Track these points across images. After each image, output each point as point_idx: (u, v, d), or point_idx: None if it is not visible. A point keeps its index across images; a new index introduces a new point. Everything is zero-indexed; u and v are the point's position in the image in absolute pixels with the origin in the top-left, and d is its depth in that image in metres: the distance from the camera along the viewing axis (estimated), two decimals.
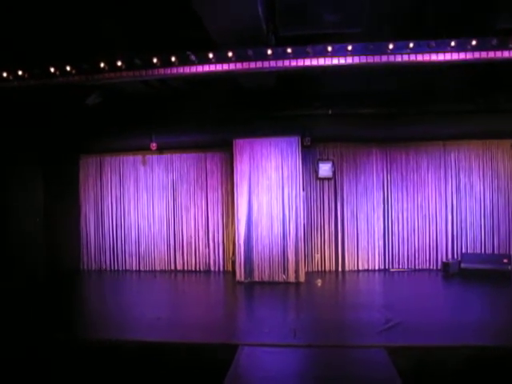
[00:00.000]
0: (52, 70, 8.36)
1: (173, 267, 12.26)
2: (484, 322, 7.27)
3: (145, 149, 11.71)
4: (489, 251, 11.26)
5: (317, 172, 11.69)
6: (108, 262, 12.49)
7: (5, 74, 8.56)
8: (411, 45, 7.18)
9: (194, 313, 8.45)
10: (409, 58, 7.51)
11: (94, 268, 12.52)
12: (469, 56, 7.26)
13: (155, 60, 7.95)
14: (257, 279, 10.74)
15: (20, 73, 8.51)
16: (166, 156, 12.23)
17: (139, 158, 12.38)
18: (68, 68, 8.30)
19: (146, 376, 6.18)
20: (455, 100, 9.89)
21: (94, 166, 12.56)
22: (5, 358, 6.29)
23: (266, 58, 7.64)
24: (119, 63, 8.08)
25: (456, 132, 10.96)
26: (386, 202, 11.71)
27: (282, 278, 10.68)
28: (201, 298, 9.83)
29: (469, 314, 7.86)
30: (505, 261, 10.45)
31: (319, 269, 11.73)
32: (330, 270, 11.69)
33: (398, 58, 7.39)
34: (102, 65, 8.17)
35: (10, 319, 7.73)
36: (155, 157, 12.27)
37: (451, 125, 10.61)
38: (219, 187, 12.12)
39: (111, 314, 8.38)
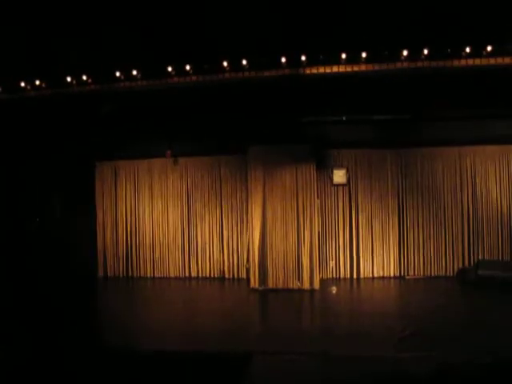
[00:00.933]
0: (68, 79, 8.50)
1: (187, 274, 12.28)
2: (501, 332, 7.16)
3: (160, 156, 11.82)
4: (507, 258, 11.08)
5: (331, 178, 11.65)
6: (122, 269, 12.54)
7: (22, 84, 8.72)
8: (426, 52, 7.16)
9: (208, 321, 8.46)
10: (423, 64, 7.49)
11: (109, 275, 12.58)
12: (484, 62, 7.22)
13: (170, 68, 8.05)
14: (271, 286, 10.70)
15: (37, 83, 8.67)
16: (181, 163, 12.26)
17: (154, 164, 12.43)
18: (84, 77, 8.43)
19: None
20: (470, 105, 9.80)
21: (109, 173, 12.65)
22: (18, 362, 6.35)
23: (279, 65, 7.70)
24: (134, 72, 8.19)
25: (472, 137, 10.86)
26: (401, 208, 11.60)
27: (296, 285, 10.65)
28: (215, 306, 9.82)
29: (486, 324, 7.74)
30: None
31: (334, 276, 11.65)
32: (344, 277, 11.60)
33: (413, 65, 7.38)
34: (117, 74, 8.28)
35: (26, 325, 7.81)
36: (169, 164, 12.31)
37: (467, 129, 10.51)
38: (233, 194, 12.13)
39: (125, 322, 8.41)
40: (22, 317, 8.28)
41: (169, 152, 11.80)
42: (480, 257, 11.18)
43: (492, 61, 7.23)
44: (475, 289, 10.18)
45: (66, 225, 11.53)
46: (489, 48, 7.09)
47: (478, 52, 7.14)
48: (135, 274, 12.48)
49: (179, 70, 8.26)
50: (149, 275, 12.42)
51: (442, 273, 11.36)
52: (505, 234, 11.19)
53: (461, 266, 11.22)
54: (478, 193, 11.33)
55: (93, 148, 11.77)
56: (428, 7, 6.79)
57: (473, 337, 6.98)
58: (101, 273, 12.61)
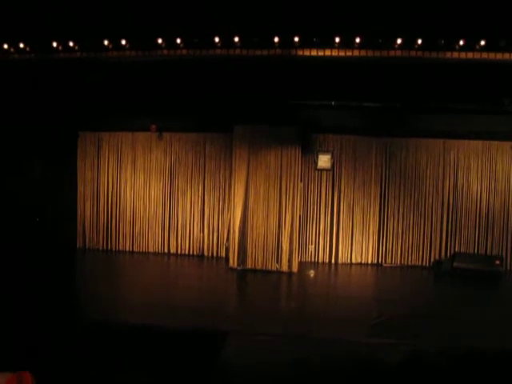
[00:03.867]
0: (54, 44, 8.25)
1: (166, 250, 12.23)
2: (472, 323, 7.33)
3: (144, 130, 11.67)
4: (482, 252, 11.29)
5: (316, 163, 11.64)
6: (101, 242, 12.43)
7: (6, 46, 8.44)
8: (419, 41, 7.13)
9: (186, 297, 8.48)
10: (416, 54, 7.47)
11: (87, 247, 12.47)
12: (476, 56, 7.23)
13: (160, 41, 7.87)
14: (250, 267, 10.74)
15: (21, 45, 8.39)
16: (165, 138, 12.11)
17: (138, 137, 12.25)
18: (71, 44, 8.19)
19: (133, 358, 6.18)
20: (460, 98, 9.84)
21: (91, 144, 12.42)
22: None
23: (272, 45, 7.59)
24: (123, 42, 7.99)
25: (457, 131, 10.95)
26: (382, 196, 11.68)
27: (275, 266, 10.71)
28: (193, 283, 9.85)
29: (456, 313, 7.91)
30: (497, 262, 10.46)
31: (312, 260, 11.74)
32: (323, 262, 11.70)
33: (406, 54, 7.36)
34: (105, 42, 8.07)
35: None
36: (154, 138, 12.14)
37: (453, 123, 10.57)
38: (217, 172, 12.04)
39: (103, 295, 8.37)
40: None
41: (154, 126, 11.65)
42: (456, 249, 11.36)
43: (484, 55, 7.23)
44: (450, 280, 10.38)
45: (45, 194, 11.32)
46: (482, 42, 7.08)
47: (471, 46, 7.13)
48: (114, 248, 12.38)
49: (169, 43, 8.08)
50: (128, 249, 12.34)
51: (418, 262, 11.53)
52: (482, 228, 11.37)
53: (437, 257, 11.40)
54: (459, 186, 11.46)
55: (76, 117, 11.52)
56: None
57: (443, 326, 7.14)
58: (80, 244, 12.48)
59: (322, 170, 11.68)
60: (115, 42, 8.08)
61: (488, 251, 11.28)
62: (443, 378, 5.72)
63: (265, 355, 6.00)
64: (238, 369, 5.62)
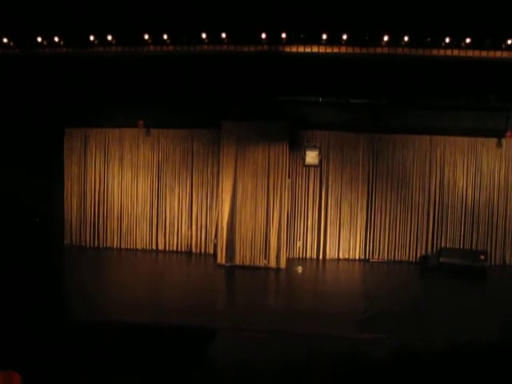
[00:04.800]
0: (39, 39, 8.16)
1: (154, 247, 12.18)
2: (455, 317, 7.43)
3: (132, 126, 11.61)
4: (467, 247, 11.42)
5: (303, 159, 11.66)
6: (89, 239, 12.33)
7: None
8: (406, 38, 7.17)
9: (174, 295, 8.48)
10: (402, 50, 7.52)
11: (75, 243, 12.36)
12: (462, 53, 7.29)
13: (146, 36, 7.82)
14: (238, 263, 10.76)
15: (5, 40, 8.28)
16: (152, 134, 12.04)
17: (125, 133, 12.15)
18: (56, 39, 8.10)
19: (122, 357, 6.17)
20: (446, 95, 9.91)
21: (78, 140, 12.29)
22: None
23: (259, 41, 7.59)
24: (110, 37, 7.92)
25: (444, 127, 11.04)
26: (370, 192, 11.75)
27: (263, 263, 10.73)
28: (181, 280, 9.83)
29: (442, 308, 8.01)
30: (482, 257, 10.60)
31: (300, 256, 11.77)
32: (310, 258, 11.75)
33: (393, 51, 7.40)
34: (91, 38, 8.00)
35: None
36: (141, 135, 12.07)
37: (440, 119, 10.66)
38: (205, 168, 12.00)
39: (91, 294, 8.31)
40: None
41: (141, 122, 11.59)
42: (443, 244, 11.47)
43: (470, 53, 7.30)
44: (436, 275, 10.49)
45: (32, 191, 11.19)
46: (468, 40, 7.15)
47: (457, 43, 7.19)
48: (102, 245, 12.29)
49: (156, 39, 8.03)
50: (115, 246, 12.25)
51: (405, 258, 11.62)
52: (467, 223, 11.49)
53: (424, 252, 11.50)
54: (446, 182, 11.56)
55: (62, 114, 11.39)
56: None
57: (430, 321, 7.24)
58: (67, 241, 12.37)
59: (309, 166, 11.70)
60: (101, 38, 8.01)
61: (473, 246, 11.41)
62: (430, 372, 5.79)
63: (254, 351, 6.03)
64: (227, 365, 5.65)
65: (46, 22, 7.92)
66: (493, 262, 11.23)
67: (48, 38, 8.11)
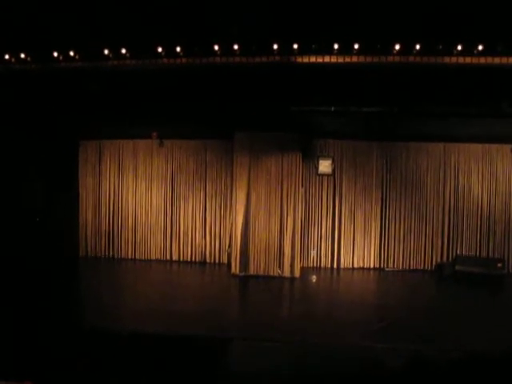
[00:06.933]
0: (55, 54, 8.31)
1: (168, 257, 12.26)
2: (471, 326, 7.35)
3: (145, 138, 11.74)
4: (484, 254, 11.29)
5: (317, 168, 11.68)
6: (103, 250, 12.47)
7: (7, 57, 8.50)
8: (418, 47, 7.17)
9: (188, 305, 8.49)
10: (414, 59, 7.51)
11: (90, 255, 12.48)
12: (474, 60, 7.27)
13: (160, 49, 7.91)
14: (252, 273, 10.76)
15: (22, 56, 8.44)
16: (166, 145, 12.16)
17: (139, 145, 12.30)
18: (72, 53, 8.25)
19: (138, 366, 6.20)
20: (458, 102, 9.85)
21: (93, 152, 12.49)
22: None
23: (271, 52, 7.64)
24: (123, 51, 8.04)
25: (457, 134, 10.98)
26: (383, 200, 11.71)
27: (277, 272, 10.72)
28: (195, 290, 9.85)
29: (459, 318, 7.91)
30: (499, 265, 10.47)
31: (314, 265, 11.74)
32: (325, 267, 11.71)
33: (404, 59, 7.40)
34: (106, 52, 8.12)
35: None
36: (155, 146, 12.20)
37: (453, 127, 10.58)
38: (218, 179, 12.10)
39: (106, 304, 8.38)
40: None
41: (155, 134, 11.70)
42: (458, 252, 11.36)
43: (482, 60, 7.28)
44: (452, 284, 10.37)
45: (48, 204, 11.35)
46: (480, 47, 7.13)
47: (469, 50, 7.17)
48: (116, 255, 12.41)
49: (169, 52, 8.13)
50: (130, 257, 12.37)
51: (420, 266, 11.54)
52: (483, 230, 11.39)
53: (439, 260, 11.40)
54: (460, 189, 11.48)
55: (78, 126, 11.56)
56: (422, 4, 6.79)
57: (446, 331, 7.15)
58: (82, 253, 12.51)
59: (322, 175, 11.72)
60: (115, 51, 8.13)
61: (490, 254, 11.29)
62: (445, 381, 5.73)
63: (268, 361, 6.02)
64: (241, 375, 5.64)
65: (62, 37, 8.07)
66: (510, 270, 11.08)
67: (64, 52, 8.26)
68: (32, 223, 10.96)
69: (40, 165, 11.28)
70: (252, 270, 10.77)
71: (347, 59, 7.62)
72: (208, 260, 12.11)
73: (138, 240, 12.39)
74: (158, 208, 12.33)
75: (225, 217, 12.05)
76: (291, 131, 10.66)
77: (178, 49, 7.89)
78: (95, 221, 12.54)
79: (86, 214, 12.55)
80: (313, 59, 7.70)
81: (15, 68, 8.54)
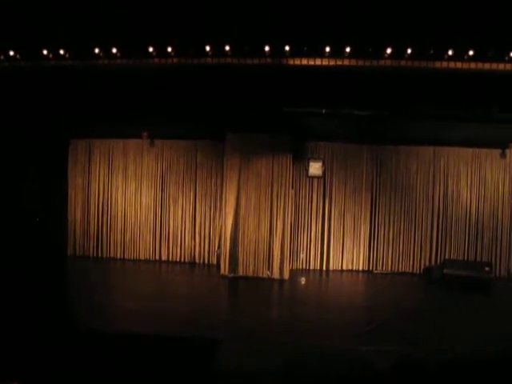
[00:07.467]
0: (45, 52, 8.23)
1: (157, 257, 12.20)
2: (459, 329, 7.41)
3: (136, 137, 11.68)
4: (472, 258, 11.37)
5: (307, 170, 11.68)
6: (92, 249, 12.36)
7: None
8: (409, 51, 7.21)
9: (177, 306, 8.45)
10: (406, 63, 7.55)
11: (78, 254, 12.38)
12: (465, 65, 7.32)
13: (151, 49, 7.88)
14: (241, 274, 10.74)
15: (11, 53, 8.36)
16: (156, 145, 12.10)
17: (129, 144, 12.23)
18: (61, 52, 8.17)
19: (127, 366, 6.16)
20: (449, 107, 9.91)
21: (83, 152, 12.38)
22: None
23: (262, 54, 7.63)
24: (114, 50, 7.98)
25: (447, 138, 11.05)
26: (373, 203, 11.74)
27: (266, 274, 10.71)
28: (184, 291, 9.83)
29: (446, 319, 7.97)
30: (486, 269, 10.54)
31: (304, 267, 11.75)
32: (314, 269, 11.72)
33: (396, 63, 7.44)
34: (96, 50, 8.06)
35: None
36: (145, 146, 12.14)
37: (443, 130, 10.64)
38: (208, 179, 12.05)
39: (94, 304, 8.32)
40: None
41: (145, 133, 11.65)
42: (447, 256, 11.43)
43: (473, 65, 7.33)
44: (440, 287, 10.44)
45: (36, 202, 11.25)
46: (471, 52, 7.18)
47: (460, 55, 7.22)
48: (105, 255, 12.32)
49: (160, 51, 8.09)
50: (119, 257, 12.28)
51: (409, 269, 11.59)
52: (471, 234, 11.46)
53: (428, 263, 11.46)
54: (449, 193, 11.55)
55: (67, 125, 11.46)
56: (413, 8, 6.83)
57: (433, 334, 7.19)
58: (70, 252, 12.39)
59: (313, 177, 11.73)
60: (106, 50, 8.08)
61: (478, 258, 11.37)
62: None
63: (257, 362, 6.00)
64: (229, 376, 5.62)
65: (52, 34, 8.00)
66: (497, 274, 11.18)
67: (53, 50, 8.19)
68: (20, 222, 10.84)
69: (28, 163, 11.16)
70: (241, 272, 10.75)
71: (339, 62, 7.64)
72: (197, 261, 12.07)
73: (127, 240, 12.30)
74: (148, 208, 12.26)
75: (214, 218, 12.01)
76: (282, 133, 10.65)
77: (170, 49, 7.86)
78: (84, 220, 12.42)
79: (75, 213, 12.43)
80: (304, 62, 7.72)
81: (4, 66, 8.45)
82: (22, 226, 10.89)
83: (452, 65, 7.37)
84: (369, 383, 5.54)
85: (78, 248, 12.43)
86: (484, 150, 11.42)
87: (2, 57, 8.46)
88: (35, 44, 8.12)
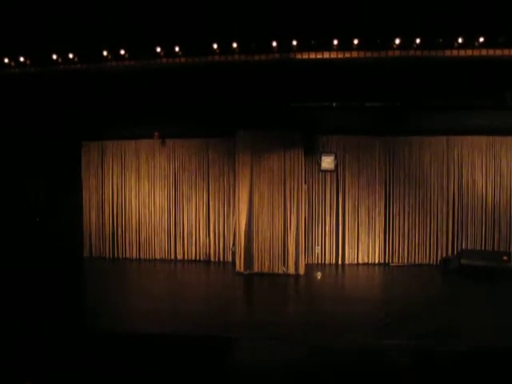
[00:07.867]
0: (54, 57, 8.29)
1: (173, 256, 12.28)
2: (477, 321, 7.33)
3: (147, 138, 11.74)
4: (489, 248, 11.22)
5: (319, 164, 11.63)
6: (108, 250, 12.51)
7: (6, 60, 8.49)
8: (418, 41, 7.11)
9: (193, 304, 8.49)
10: (415, 53, 7.46)
11: (94, 255, 12.52)
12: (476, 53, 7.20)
13: (158, 49, 7.89)
14: (256, 270, 10.75)
15: (21, 59, 8.44)
16: (168, 145, 12.15)
17: (141, 145, 12.31)
18: (71, 56, 8.23)
19: (143, 366, 6.21)
20: (461, 95, 9.77)
21: (95, 153, 12.52)
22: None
23: (270, 49, 7.60)
24: (122, 52, 8.01)
25: (460, 127, 10.91)
26: (387, 196, 11.66)
27: (281, 269, 10.70)
28: (200, 289, 9.85)
29: (464, 311, 7.90)
30: (505, 258, 10.41)
31: (319, 261, 11.72)
32: (329, 263, 11.68)
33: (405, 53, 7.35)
34: (105, 53, 8.10)
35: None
36: (157, 146, 12.20)
37: (456, 119, 10.51)
38: (221, 177, 12.08)
39: (110, 304, 8.41)
40: (6, 301, 8.18)
41: (157, 133, 11.71)
42: (463, 246, 11.30)
43: (484, 52, 7.21)
44: (458, 277, 10.32)
45: (51, 205, 11.38)
46: (481, 39, 7.06)
47: (470, 43, 7.10)
48: (121, 255, 12.45)
49: (168, 51, 8.10)
50: (134, 257, 12.40)
51: (425, 261, 11.49)
52: (488, 224, 11.32)
53: (444, 254, 11.34)
54: (464, 183, 11.41)
55: (80, 127, 11.57)
56: None
57: (452, 325, 7.12)
58: (86, 253, 12.55)
59: (325, 171, 11.68)
60: (114, 53, 8.11)
61: (495, 247, 11.21)
62: (451, 377, 5.71)
63: (274, 359, 6.01)
64: (246, 374, 5.64)
65: (60, 39, 8.05)
66: None
67: (63, 55, 8.25)
68: (35, 224, 10.98)
69: (43, 166, 11.29)
70: (256, 268, 10.77)
71: (347, 55, 7.56)
72: (212, 259, 12.12)
73: (142, 240, 12.41)
74: (162, 207, 12.34)
75: (228, 215, 12.04)
76: (293, 129, 10.63)
77: (177, 48, 7.86)
78: (99, 221, 12.56)
79: (90, 214, 12.57)
80: (312, 56, 7.65)
81: (14, 71, 8.53)
82: (37, 228, 11.03)
83: (462, 53, 7.24)
84: (386, 377, 5.53)
85: (94, 249, 12.57)
86: (499, 138, 11.25)
87: (12, 63, 8.55)
88: (44, 49, 8.18)
